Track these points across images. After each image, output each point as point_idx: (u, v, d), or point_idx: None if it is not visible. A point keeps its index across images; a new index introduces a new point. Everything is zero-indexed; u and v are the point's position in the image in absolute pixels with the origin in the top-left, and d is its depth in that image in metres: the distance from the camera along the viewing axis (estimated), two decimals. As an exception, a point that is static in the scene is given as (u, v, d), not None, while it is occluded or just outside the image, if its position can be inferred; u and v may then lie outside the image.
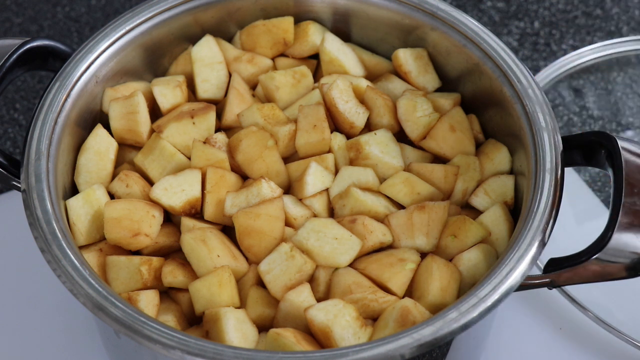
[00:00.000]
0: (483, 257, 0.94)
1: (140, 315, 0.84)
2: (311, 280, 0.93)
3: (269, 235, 0.93)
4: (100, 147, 1.01)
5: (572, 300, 1.11)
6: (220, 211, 0.97)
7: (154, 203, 0.96)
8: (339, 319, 0.87)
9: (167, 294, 0.96)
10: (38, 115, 0.97)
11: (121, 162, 1.04)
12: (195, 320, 0.94)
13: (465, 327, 0.83)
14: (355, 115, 1.02)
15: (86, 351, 1.11)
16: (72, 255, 0.88)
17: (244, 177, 1.00)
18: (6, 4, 1.51)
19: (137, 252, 0.97)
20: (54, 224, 0.90)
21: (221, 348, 0.81)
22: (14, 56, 0.99)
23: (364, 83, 1.06)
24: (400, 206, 0.98)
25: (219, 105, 1.07)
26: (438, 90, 1.09)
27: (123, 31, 1.05)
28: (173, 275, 0.93)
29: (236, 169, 1.00)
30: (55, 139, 0.97)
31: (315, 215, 0.97)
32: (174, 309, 0.94)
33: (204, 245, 0.92)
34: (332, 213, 0.99)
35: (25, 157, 0.94)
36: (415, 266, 0.93)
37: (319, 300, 0.91)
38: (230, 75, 1.09)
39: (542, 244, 0.88)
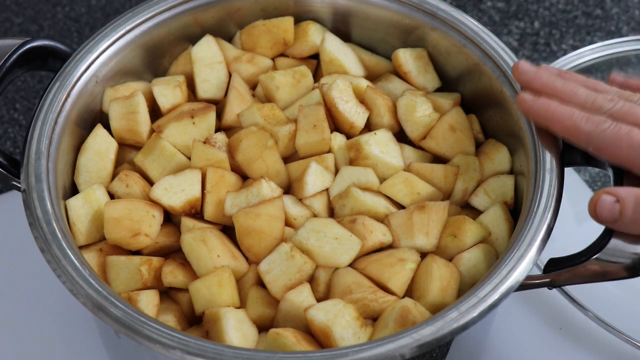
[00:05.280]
0: (483, 257, 0.94)
1: (140, 315, 0.84)
2: (311, 280, 0.93)
3: (269, 235, 0.93)
4: (100, 147, 1.01)
5: (572, 300, 1.11)
6: (220, 211, 0.97)
7: (154, 203, 0.96)
8: (339, 319, 0.87)
9: (167, 294, 0.96)
10: (38, 115, 0.97)
11: (121, 162, 1.04)
12: (195, 320, 0.95)
13: (465, 327, 0.83)
14: (355, 115, 1.02)
15: (86, 351, 1.11)
16: (72, 255, 0.88)
17: (244, 177, 1.00)
18: (6, 4, 1.51)
19: (137, 252, 0.97)
20: (54, 224, 0.90)
21: (221, 348, 0.81)
22: (14, 56, 0.99)
23: (364, 83, 1.06)
24: (400, 206, 0.98)
25: (219, 105, 1.07)
26: (438, 90, 1.09)
27: (123, 31, 1.05)
28: (173, 275, 0.93)
29: (236, 169, 1.00)
30: (55, 139, 0.97)
31: (315, 215, 0.97)
32: (174, 309, 0.94)
33: (204, 245, 0.92)
34: (332, 213, 0.99)
35: (25, 157, 0.94)
36: (415, 266, 0.93)
37: (319, 300, 0.91)
38: (230, 75, 1.09)
39: (542, 244, 0.88)
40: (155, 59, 1.10)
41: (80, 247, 0.95)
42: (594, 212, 0.88)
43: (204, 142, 1.00)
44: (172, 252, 0.98)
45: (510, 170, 1.02)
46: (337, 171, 1.00)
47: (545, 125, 0.93)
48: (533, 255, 0.88)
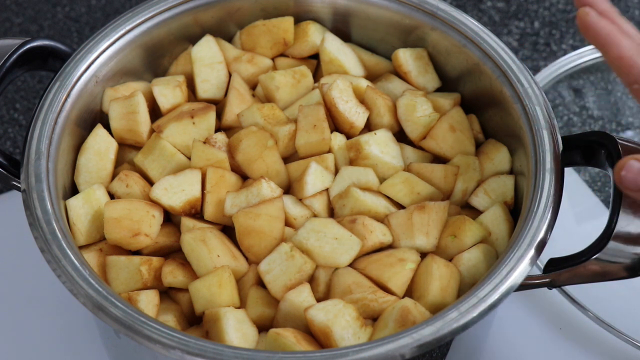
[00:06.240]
0: (483, 257, 0.94)
1: (140, 315, 0.84)
2: (311, 280, 0.93)
3: (269, 235, 0.93)
4: (100, 147, 1.01)
5: (572, 300, 1.11)
6: (220, 211, 0.97)
7: (154, 203, 0.96)
8: (339, 319, 0.87)
9: (167, 294, 0.96)
10: (38, 115, 0.97)
11: (121, 162, 1.04)
12: (195, 320, 0.95)
13: (465, 327, 0.83)
14: (355, 115, 1.02)
15: (86, 351, 1.11)
16: (72, 255, 0.88)
17: (244, 177, 1.00)
18: (6, 4, 1.51)
19: (137, 252, 0.97)
20: (54, 224, 0.90)
21: (221, 348, 0.81)
22: (14, 56, 0.99)
23: (364, 83, 1.06)
24: (400, 206, 0.98)
25: (219, 105, 1.07)
26: (438, 90, 1.09)
27: (123, 31, 1.05)
28: (173, 275, 0.93)
29: (236, 169, 1.00)
30: (55, 139, 0.97)
31: (315, 215, 0.97)
32: (174, 309, 0.94)
33: (204, 245, 0.92)
34: (332, 213, 0.99)
35: (25, 157, 0.94)
36: (415, 266, 0.93)
37: (319, 300, 0.91)
38: (230, 75, 1.09)
39: (542, 244, 0.88)
40: (155, 59, 1.10)
41: (80, 247, 0.95)
42: (620, 177, 0.85)
43: (204, 142, 1.00)
44: (172, 252, 0.98)
45: (510, 170, 1.02)
46: (337, 171, 1.00)
47: (601, 46, 0.90)
48: (533, 255, 0.87)
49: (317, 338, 0.88)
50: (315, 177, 0.98)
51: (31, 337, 1.13)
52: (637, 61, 0.87)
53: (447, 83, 1.09)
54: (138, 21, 1.06)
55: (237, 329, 0.88)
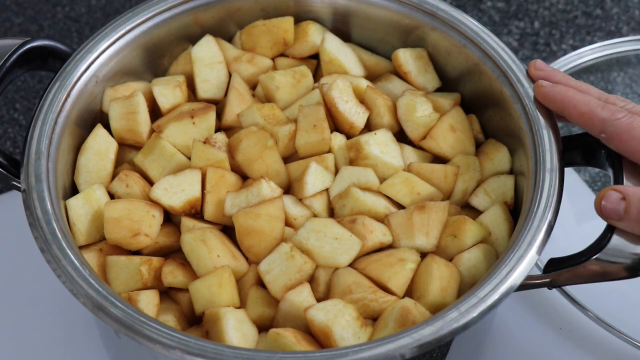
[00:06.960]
0: (483, 257, 0.94)
1: (140, 315, 0.84)
2: (311, 280, 0.93)
3: (269, 235, 0.93)
4: (100, 147, 1.01)
5: (572, 300, 1.11)
6: (220, 211, 0.97)
7: (154, 203, 0.96)
8: (339, 319, 0.87)
9: (167, 294, 0.96)
10: (38, 115, 0.97)
11: (121, 162, 1.04)
12: (195, 320, 0.95)
13: (465, 327, 0.83)
14: (355, 115, 1.02)
15: (86, 351, 1.11)
16: (72, 255, 0.88)
17: (244, 177, 1.00)
18: (6, 4, 1.51)
19: (137, 252, 0.97)
20: (54, 224, 0.90)
21: (221, 348, 0.81)
22: (14, 56, 0.99)
23: (364, 83, 1.06)
24: (400, 206, 0.98)
25: (219, 105, 1.07)
26: (438, 90, 1.09)
27: (123, 31, 1.05)
28: (173, 275, 0.93)
29: (236, 169, 1.00)
30: (55, 139, 0.97)
31: (315, 215, 0.97)
32: (174, 309, 0.94)
33: (204, 245, 0.92)
34: (332, 213, 0.99)
35: (25, 157, 0.94)
36: (415, 266, 0.93)
37: (319, 300, 0.91)
38: (230, 75, 1.09)
39: (542, 244, 0.88)
40: (155, 59, 1.10)
41: (80, 247, 0.95)
42: (599, 207, 0.88)
43: (204, 142, 1.00)
44: (172, 252, 0.98)
45: (510, 170, 1.02)
46: (337, 171, 1.00)
47: (561, 110, 0.95)
48: (533, 255, 0.87)
49: (317, 338, 0.88)
50: (315, 177, 0.98)
51: (31, 337, 1.13)
52: (595, 113, 0.91)
53: (447, 83, 1.09)
54: (138, 21, 1.06)
55: (237, 329, 0.88)
